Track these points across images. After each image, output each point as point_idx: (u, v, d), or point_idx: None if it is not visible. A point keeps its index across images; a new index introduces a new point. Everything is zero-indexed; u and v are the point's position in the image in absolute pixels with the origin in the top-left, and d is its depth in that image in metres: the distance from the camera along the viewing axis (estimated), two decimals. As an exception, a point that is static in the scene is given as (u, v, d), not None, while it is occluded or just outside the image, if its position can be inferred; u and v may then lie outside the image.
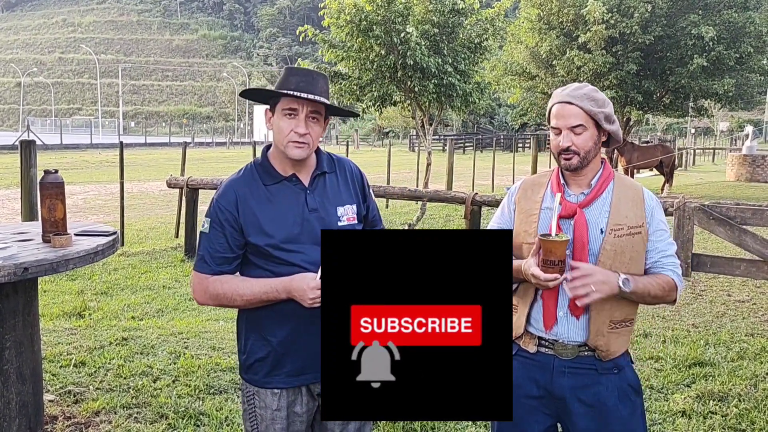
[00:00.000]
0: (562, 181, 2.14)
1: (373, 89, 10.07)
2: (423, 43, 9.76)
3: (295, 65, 9.69)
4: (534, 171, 20.58)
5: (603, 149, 2.17)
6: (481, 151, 37.51)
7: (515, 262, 2.11)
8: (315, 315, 2.03)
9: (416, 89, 9.98)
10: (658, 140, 28.92)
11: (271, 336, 2.10)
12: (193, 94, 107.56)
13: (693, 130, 48.31)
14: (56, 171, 3.02)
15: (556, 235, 1.99)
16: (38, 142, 39.83)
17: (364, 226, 2.24)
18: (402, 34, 9.41)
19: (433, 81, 9.93)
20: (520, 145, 43.72)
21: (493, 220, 2.30)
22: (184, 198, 9.18)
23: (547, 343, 2.11)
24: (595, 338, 2.05)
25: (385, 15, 9.55)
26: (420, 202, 10.56)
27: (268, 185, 2.07)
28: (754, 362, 4.84)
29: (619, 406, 2.08)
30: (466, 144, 44.81)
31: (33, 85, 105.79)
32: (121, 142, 9.11)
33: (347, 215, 2.15)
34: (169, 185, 9.31)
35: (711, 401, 4.08)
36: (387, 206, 14.64)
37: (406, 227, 10.73)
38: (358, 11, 9.58)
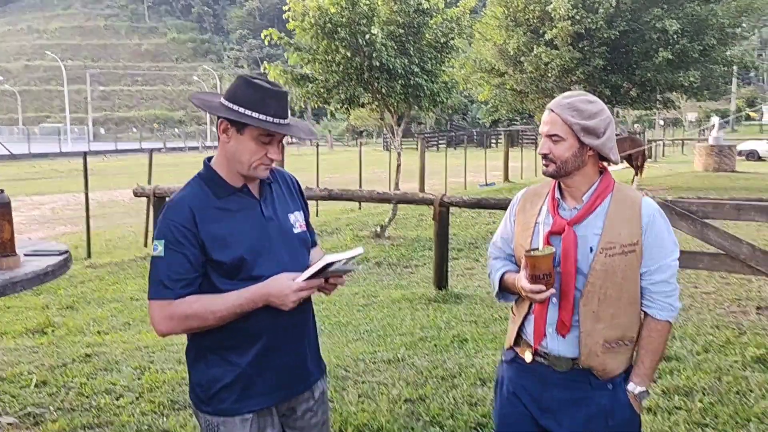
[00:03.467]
0: (557, 194, 2.08)
1: (340, 91, 10.02)
2: (389, 44, 9.74)
3: (261, 69, 9.49)
4: (505, 167, 20.70)
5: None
6: (455, 148, 37.62)
7: (510, 275, 2.11)
8: (290, 324, 2.03)
9: (383, 90, 9.95)
10: (628, 133, 29.26)
11: (238, 359, 1.98)
12: (164, 98, 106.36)
13: (662, 122, 48.99)
14: (2, 191, 2.93)
15: (540, 249, 1.97)
16: (5, 152, 39.16)
17: None
18: (367, 36, 9.37)
19: (399, 82, 9.91)
20: (493, 141, 43.92)
21: (497, 232, 2.27)
22: (151, 207, 9.06)
23: (542, 354, 2.07)
24: (587, 359, 1.99)
25: (350, 17, 9.50)
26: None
27: (222, 198, 1.98)
28: (719, 355, 4.90)
29: (609, 422, 2.02)
30: (440, 141, 44.89)
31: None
32: (85, 153, 8.96)
33: (299, 221, 2.13)
34: (136, 194, 9.18)
35: (676, 396, 4.11)
36: (360, 207, 14.62)
37: (379, 229, 10.70)
38: (322, 14, 9.52)
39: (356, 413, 3.88)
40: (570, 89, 16.60)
